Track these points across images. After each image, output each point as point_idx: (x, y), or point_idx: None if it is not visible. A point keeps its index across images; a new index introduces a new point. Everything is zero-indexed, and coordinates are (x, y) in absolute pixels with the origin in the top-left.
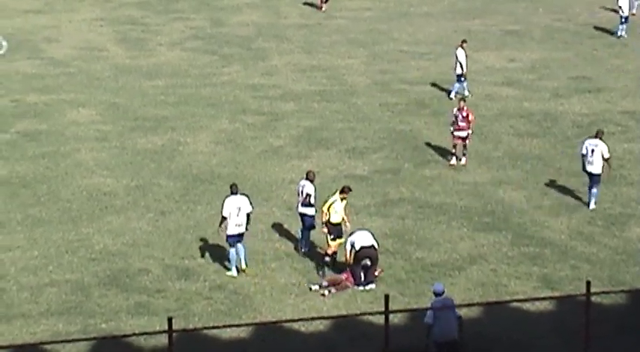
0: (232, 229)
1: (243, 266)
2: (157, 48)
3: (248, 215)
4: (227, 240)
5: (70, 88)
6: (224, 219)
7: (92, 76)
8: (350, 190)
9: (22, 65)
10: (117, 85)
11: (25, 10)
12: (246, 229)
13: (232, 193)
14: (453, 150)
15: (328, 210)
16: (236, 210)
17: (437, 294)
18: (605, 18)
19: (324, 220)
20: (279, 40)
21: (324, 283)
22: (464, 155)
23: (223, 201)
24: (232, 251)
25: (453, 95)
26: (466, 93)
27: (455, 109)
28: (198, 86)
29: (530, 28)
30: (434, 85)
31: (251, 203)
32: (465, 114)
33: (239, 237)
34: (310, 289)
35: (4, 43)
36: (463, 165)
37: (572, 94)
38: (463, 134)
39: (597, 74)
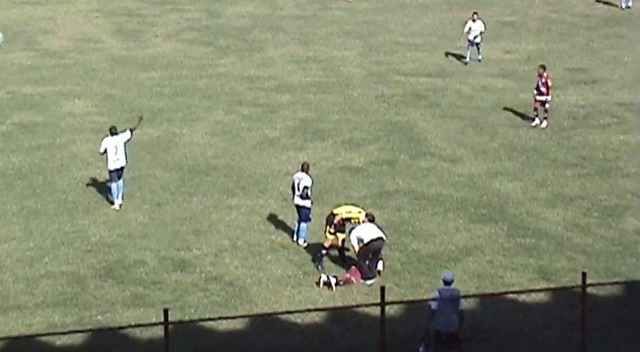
0: (112, 164)
1: (120, 201)
2: (152, 39)
3: (125, 144)
4: (109, 175)
5: (66, 80)
6: (102, 154)
7: (88, 67)
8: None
9: (18, 56)
10: (113, 77)
11: (20, 1)
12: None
13: (111, 134)
14: (535, 113)
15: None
16: (114, 149)
17: (446, 282)
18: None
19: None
20: (274, 31)
21: (340, 279)
22: (545, 118)
23: (102, 141)
24: (113, 185)
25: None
26: (468, 59)
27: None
28: (194, 78)
29: (526, 20)
30: (430, 76)
31: (132, 133)
32: (544, 80)
33: (119, 171)
34: (322, 281)
35: (0, 35)
36: (543, 129)
37: (568, 86)
38: (542, 98)
39: (593, 65)
